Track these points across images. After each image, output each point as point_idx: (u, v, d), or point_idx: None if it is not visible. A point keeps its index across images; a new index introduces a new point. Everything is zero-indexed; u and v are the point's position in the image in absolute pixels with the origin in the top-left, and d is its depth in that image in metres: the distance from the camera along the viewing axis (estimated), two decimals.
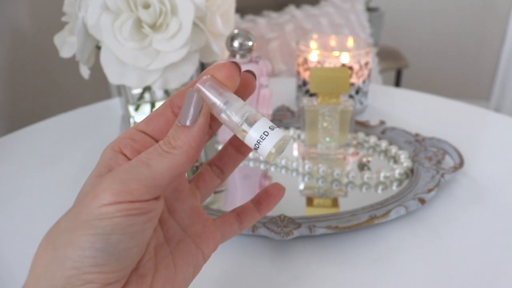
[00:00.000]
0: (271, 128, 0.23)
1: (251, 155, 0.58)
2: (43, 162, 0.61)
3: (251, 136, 0.23)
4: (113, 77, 0.56)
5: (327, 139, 0.57)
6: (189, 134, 0.23)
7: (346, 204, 0.50)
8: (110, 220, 0.21)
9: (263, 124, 0.23)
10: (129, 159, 0.25)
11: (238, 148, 0.30)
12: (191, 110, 0.23)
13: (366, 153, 0.59)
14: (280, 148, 0.23)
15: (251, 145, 0.24)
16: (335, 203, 0.50)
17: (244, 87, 0.26)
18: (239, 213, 0.30)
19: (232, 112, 0.23)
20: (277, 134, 0.23)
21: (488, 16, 2.09)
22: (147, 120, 0.26)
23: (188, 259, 0.27)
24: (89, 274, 0.21)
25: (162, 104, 0.26)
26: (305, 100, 0.56)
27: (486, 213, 0.48)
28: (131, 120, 0.65)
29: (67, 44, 0.59)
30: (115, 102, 0.79)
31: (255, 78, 0.26)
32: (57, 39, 0.61)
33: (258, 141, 0.23)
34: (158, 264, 0.26)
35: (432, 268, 0.41)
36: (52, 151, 0.64)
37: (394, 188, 0.52)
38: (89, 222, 0.21)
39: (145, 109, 0.65)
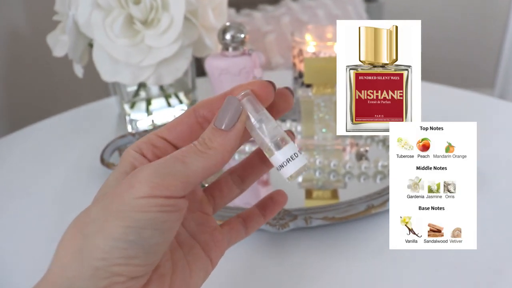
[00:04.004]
0: (296, 155, 0.25)
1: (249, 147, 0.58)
2: (42, 162, 0.61)
3: (277, 158, 0.25)
4: (106, 74, 0.56)
5: (324, 130, 0.56)
6: (226, 138, 0.24)
7: (344, 195, 0.49)
8: (145, 214, 0.22)
9: (290, 149, 0.25)
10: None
11: (264, 159, 0.30)
12: (229, 115, 0.24)
13: (364, 143, 0.59)
14: (300, 173, 0.25)
15: (276, 166, 0.25)
16: (334, 194, 0.50)
17: (282, 102, 0.27)
18: (244, 218, 0.31)
19: (264, 131, 0.25)
20: (301, 161, 0.25)
21: (490, 4, 2.07)
22: (169, 127, 0.26)
23: (199, 264, 0.28)
24: (117, 266, 0.21)
25: (185, 112, 0.26)
26: (300, 91, 0.55)
27: (489, 201, 0.47)
28: (127, 118, 0.64)
29: (59, 43, 0.59)
30: (113, 101, 0.79)
31: (293, 95, 0.27)
32: (50, 39, 0.61)
33: (283, 164, 0.25)
34: (175, 266, 0.26)
35: (430, 257, 0.40)
36: (51, 151, 0.64)
37: None
38: (123, 213, 0.22)
39: (141, 106, 0.65)
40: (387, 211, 0.46)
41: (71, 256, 0.22)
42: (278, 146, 0.25)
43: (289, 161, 0.25)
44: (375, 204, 0.44)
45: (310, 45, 0.67)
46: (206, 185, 0.31)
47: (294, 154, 0.25)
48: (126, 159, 0.25)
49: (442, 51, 2.12)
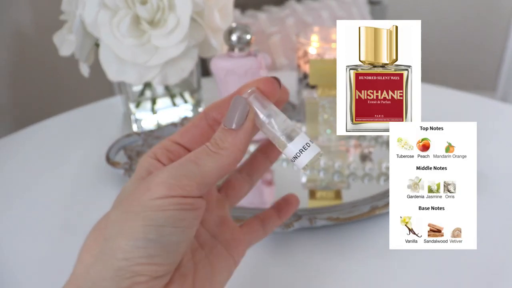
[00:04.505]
0: (308, 145, 0.25)
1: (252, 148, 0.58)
2: (47, 161, 0.61)
3: (290, 149, 0.25)
4: (112, 74, 0.56)
5: (328, 131, 0.56)
6: (236, 137, 0.25)
7: (348, 196, 0.49)
8: (163, 213, 0.22)
9: (302, 140, 0.25)
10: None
11: (267, 155, 0.32)
12: (238, 115, 0.25)
13: (368, 144, 0.59)
14: (314, 161, 0.25)
15: (289, 157, 0.25)
16: (338, 195, 0.50)
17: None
18: (262, 219, 0.32)
19: (274, 125, 0.25)
20: (313, 150, 0.25)
21: (493, 6, 2.07)
22: (181, 132, 0.27)
23: (222, 263, 0.28)
24: (139, 265, 0.22)
25: (197, 116, 0.27)
26: (305, 93, 0.56)
27: (492, 204, 0.48)
28: (132, 117, 0.65)
29: (66, 43, 0.59)
30: (118, 100, 0.79)
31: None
32: (56, 38, 0.61)
33: (296, 155, 0.25)
34: (196, 265, 0.27)
35: (432, 258, 0.40)
36: (56, 150, 0.64)
37: None
38: (142, 213, 0.22)
39: (146, 106, 0.65)
40: None
41: (93, 258, 0.22)
42: (290, 138, 0.25)
43: (302, 152, 0.25)
44: (379, 205, 0.45)
45: (315, 47, 0.67)
46: None
47: (306, 144, 0.25)
48: (142, 166, 0.26)
49: (445, 54, 2.12)
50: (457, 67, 2.17)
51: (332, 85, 0.54)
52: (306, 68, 0.70)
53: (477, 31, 2.11)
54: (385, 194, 0.47)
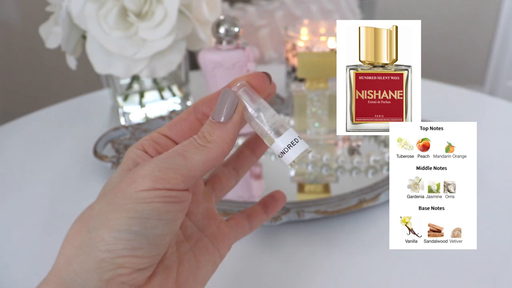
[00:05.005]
0: (296, 140, 0.25)
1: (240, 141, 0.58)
2: (34, 154, 0.60)
3: (277, 145, 0.25)
4: (100, 67, 0.56)
5: (316, 124, 0.56)
6: (224, 130, 0.24)
7: (336, 189, 0.49)
8: (148, 205, 0.22)
9: (290, 135, 0.25)
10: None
11: (253, 150, 0.32)
12: (226, 108, 0.25)
13: (356, 137, 0.59)
14: (302, 158, 0.25)
15: (277, 153, 0.25)
16: (326, 189, 0.50)
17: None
18: (248, 214, 0.32)
19: (262, 119, 0.25)
20: (301, 146, 0.25)
21: (481, 3, 2.08)
22: (170, 125, 0.27)
23: (207, 256, 0.28)
24: (121, 257, 0.22)
25: (186, 110, 0.27)
26: (293, 86, 0.56)
27: (481, 196, 0.48)
28: (120, 111, 0.64)
29: (52, 35, 0.59)
30: (106, 93, 0.78)
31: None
32: (43, 30, 0.60)
33: (284, 150, 0.25)
34: (181, 258, 0.27)
35: (423, 252, 0.41)
36: (43, 143, 0.63)
37: (385, 172, 0.52)
38: (127, 205, 0.22)
39: (134, 99, 0.65)
40: (379, 205, 0.46)
41: (75, 250, 0.22)
42: (278, 133, 0.25)
43: (290, 147, 0.25)
44: (367, 198, 0.45)
45: (304, 40, 0.67)
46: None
47: (294, 140, 0.25)
48: (128, 157, 0.26)
49: (434, 49, 2.13)
50: (446, 62, 2.18)
51: (321, 78, 0.54)
52: (294, 61, 0.70)
53: (465, 26, 2.13)
54: (373, 187, 0.47)
